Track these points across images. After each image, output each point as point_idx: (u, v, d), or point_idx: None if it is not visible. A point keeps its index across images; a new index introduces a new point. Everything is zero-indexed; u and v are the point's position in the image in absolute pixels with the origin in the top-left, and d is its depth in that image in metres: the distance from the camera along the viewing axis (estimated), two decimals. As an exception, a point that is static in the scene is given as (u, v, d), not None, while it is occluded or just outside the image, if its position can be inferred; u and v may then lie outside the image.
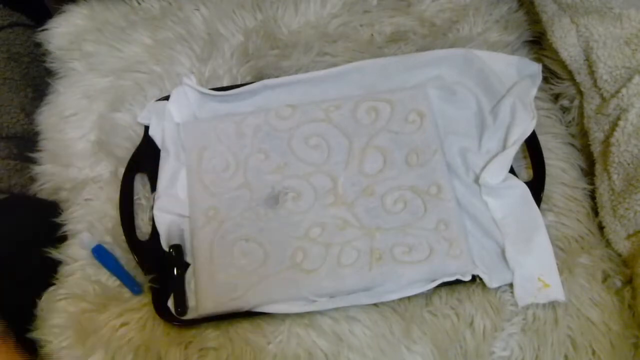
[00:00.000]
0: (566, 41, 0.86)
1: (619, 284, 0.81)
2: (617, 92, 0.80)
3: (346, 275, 0.79)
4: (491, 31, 0.98)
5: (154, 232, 0.84)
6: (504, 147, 0.85)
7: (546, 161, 0.86)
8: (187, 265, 0.82)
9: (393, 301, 0.79)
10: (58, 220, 0.89)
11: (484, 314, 0.78)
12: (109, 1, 1.05)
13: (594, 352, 0.76)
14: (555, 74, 0.93)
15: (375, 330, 0.78)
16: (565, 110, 0.93)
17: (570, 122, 0.92)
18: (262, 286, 0.79)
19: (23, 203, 0.92)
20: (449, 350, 0.77)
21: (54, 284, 0.84)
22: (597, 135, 0.84)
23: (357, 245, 0.81)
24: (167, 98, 0.92)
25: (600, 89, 0.83)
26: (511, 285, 0.79)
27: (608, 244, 0.83)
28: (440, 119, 0.89)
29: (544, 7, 0.89)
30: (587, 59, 0.84)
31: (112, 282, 0.85)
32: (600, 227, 0.84)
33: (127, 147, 0.92)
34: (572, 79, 0.88)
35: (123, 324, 0.80)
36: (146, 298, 0.82)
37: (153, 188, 0.87)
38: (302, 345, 0.77)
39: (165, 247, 0.83)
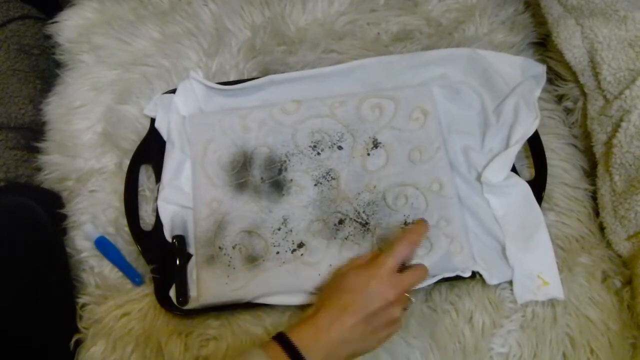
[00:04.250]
0: (571, 42, 0.86)
1: (618, 284, 0.81)
2: (621, 93, 0.80)
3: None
4: (497, 32, 0.99)
5: (157, 223, 0.85)
6: (507, 146, 0.85)
7: (548, 161, 0.86)
8: (190, 256, 0.83)
9: (393, 296, 0.79)
10: (62, 211, 0.90)
11: (483, 310, 0.78)
12: (119, -5, 1.07)
13: (592, 351, 0.76)
14: (559, 75, 0.94)
15: (374, 324, 0.78)
16: (568, 111, 0.93)
17: (573, 123, 0.92)
18: (263, 278, 0.80)
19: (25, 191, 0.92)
20: (448, 346, 0.77)
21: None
22: (599, 136, 0.84)
23: (358, 240, 0.81)
24: (173, 91, 0.93)
25: (603, 91, 0.83)
26: (511, 282, 0.79)
27: (608, 244, 0.83)
28: (444, 117, 0.90)
29: (549, 9, 0.89)
30: (592, 60, 0.84)
31: (114, 273, 0.86)
32: (601, 228, 0.84)
33: (133, 139, 0.93)
34: (576, 80, 0.89)
35: (124, 314, 0.81)
36: (147, 289, 0.83)
37: (158, 180, 0.88)
38: (301, 337, 0.78)
39: (168, 238, 0.84)
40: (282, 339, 0.63)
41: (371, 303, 0.65)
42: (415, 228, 0.73)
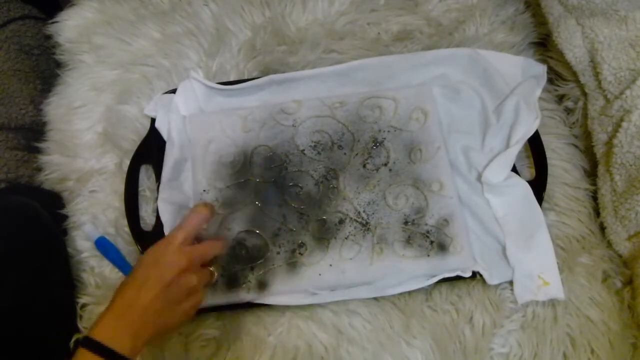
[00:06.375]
0: (571, 42, 0.86)
1: (619, 284, 0.81)
2: (621, 93, 0.80)
3: (347, 268, 0.80)
4: (497, 32, 0.99)
5: (158, 223, 0.85)
6: (507, 146, 0.85)
7: (549, 161, 0.86)
8: (190, 256, 0.83)
9: (393, 296, 0.79)
10: (63, 211, 0.90)
11: (484, 310, 0.78)
12: (119, -5, 1.06)
13: (592, 351, 0.76)
14: (560, 75, 0.94)
15: (375, 324, 0.78)
16: (569, 111, 0.93)
17: (574, 123, 0.92)
18: (263, 278, 0.80)
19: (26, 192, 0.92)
20: (448, 346, 0.78)
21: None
22: (600, 136, 0.84)
23: (359, 240, 0.81)
24: (174, 91, 0.93)
25: (604, 91, 0.83)
26: (511, 282, 0.79)
27: (609, 244, 0.83)
28: (444, 117, 0.90)
29: (550, 8, 0.89)
30: (592, 60, 0.84)
31: (114, 273, 0.86)
32: (602, 228, 0.84)
33: (133, 139, 0.92)
34: (576, 80, 0.89)
35: (125, 314, 0.81)
36: (148, 289, 0.83)
37: (158, 180, 0.88)
38: (302, 337, 0.78)
39: (168, 238, 0.83)
40: (86, 342, 0.62)
41: (165, 273, 0.67)
42: (201, 204, 0.78)
